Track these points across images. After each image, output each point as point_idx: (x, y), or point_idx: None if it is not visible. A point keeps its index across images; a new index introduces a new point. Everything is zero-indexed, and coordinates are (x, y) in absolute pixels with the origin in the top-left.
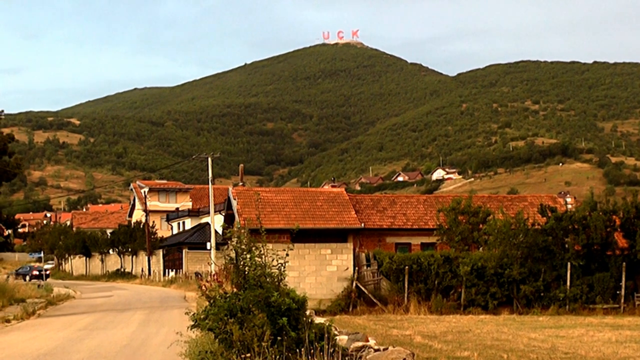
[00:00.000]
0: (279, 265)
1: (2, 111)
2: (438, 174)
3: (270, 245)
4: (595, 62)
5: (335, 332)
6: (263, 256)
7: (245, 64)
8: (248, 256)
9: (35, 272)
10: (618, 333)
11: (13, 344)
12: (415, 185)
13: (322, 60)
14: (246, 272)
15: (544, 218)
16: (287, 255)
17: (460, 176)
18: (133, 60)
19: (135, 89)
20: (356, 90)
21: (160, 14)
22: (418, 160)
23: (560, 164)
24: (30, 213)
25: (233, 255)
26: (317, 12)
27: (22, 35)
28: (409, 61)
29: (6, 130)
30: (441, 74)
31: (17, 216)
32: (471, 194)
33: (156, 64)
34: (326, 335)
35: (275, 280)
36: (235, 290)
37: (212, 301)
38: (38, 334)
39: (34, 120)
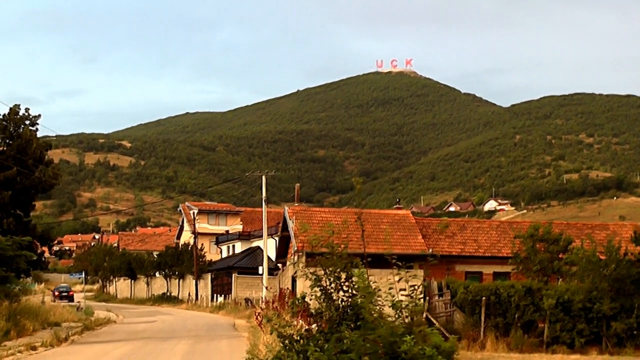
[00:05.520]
0: (413, 289)
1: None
2: (490, 205)
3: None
4: None
5: None
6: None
7: (298, 91)
8: (355, 277)
9: (56, 293)
10: None
11: None
12: (466, 216)
13: (375, 88)
14: (348, 301)
15: (638, 247)
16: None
17: (513, 208)
18: (186, 85)
19: (187, 113)
20: (409, 120)
21: (215, 41)
22: (470, 191)
23: (615, 198)
24: (79, 234)
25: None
26: (372, 42)
27: (80, 59)
28: (463, 91)
29: (57, 152)
30: (495, 104)
31: (64, 238)
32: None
33: (209, 89)
34: None
35: (407, 315)
36: (322, 326)
37: (288, 343)
38: None
39: (85, 142)
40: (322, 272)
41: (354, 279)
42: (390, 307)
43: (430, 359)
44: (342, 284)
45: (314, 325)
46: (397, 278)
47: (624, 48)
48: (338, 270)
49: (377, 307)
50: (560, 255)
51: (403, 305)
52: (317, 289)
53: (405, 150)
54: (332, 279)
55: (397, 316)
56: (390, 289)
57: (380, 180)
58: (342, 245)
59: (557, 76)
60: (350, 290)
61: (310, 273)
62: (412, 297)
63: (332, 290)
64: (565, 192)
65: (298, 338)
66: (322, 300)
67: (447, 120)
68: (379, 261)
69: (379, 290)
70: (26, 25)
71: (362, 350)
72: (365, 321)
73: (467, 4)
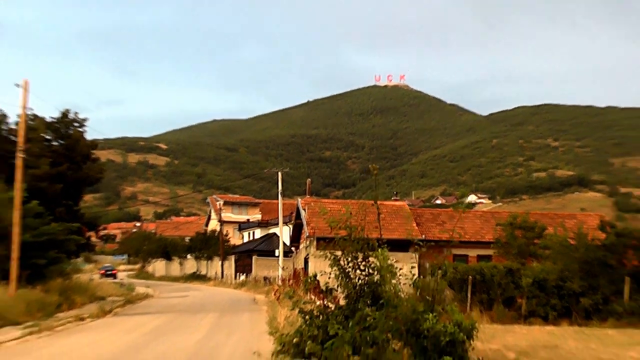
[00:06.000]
0: (440, 268)
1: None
2: (471, 198)
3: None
4: (608, 107)
5: None
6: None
7: (308, 101)
8: (375, 259)
9: (102, 271)
10: None
11: (73, 349)
12: (450, 207)
13: (374, 99)
14: (365, 280)
15: (604, 234)
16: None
17: (490, 201)
18: (213, 95)
19: (214, 120)
20: (402, 126)
21: (237, 57)
22: (454, 186)
23: (577, 193)
24: (123, 222)
25: (338, 252)
26: (371, 59)
27: (119, 71)
28: (448, 102)
29: (105, 153)
30: (475, 113)
31: (110, 225)
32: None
33: (232, 99)
34: None
35: (430, 293)
36: (334, 301)
37: (308, 319)
38: (104, 336)
39: (127, 144)
40: (340, 252)
41: (370, 259)
42: (411, 285)
43: (452, 336)
44: (359, 263)
45: (326, 301)
46: (395, 260)
47: (585, 64)
48: (355, 250)
49: (395, 284)
50: (535, 241)
51: (424, 284)
52: (335, 268)
53: (400, 151)
54: (349, 259)
55: (417, 294)
56: (412, 267)
57: (378, 177)
58: (360, 228)
59: (528, 89)
60: (367, 270)
61: (330, 253)
62: (435, 276)
63: (350, 270)
64: (535, 187)
65: (318, 314)
66: (340, 278)
67: (435, 126)
68: (388, 245)
69: (401, 269)
70: (76, 44)
71: (385, 327)
72: (387, 299)
73: (452, 28)
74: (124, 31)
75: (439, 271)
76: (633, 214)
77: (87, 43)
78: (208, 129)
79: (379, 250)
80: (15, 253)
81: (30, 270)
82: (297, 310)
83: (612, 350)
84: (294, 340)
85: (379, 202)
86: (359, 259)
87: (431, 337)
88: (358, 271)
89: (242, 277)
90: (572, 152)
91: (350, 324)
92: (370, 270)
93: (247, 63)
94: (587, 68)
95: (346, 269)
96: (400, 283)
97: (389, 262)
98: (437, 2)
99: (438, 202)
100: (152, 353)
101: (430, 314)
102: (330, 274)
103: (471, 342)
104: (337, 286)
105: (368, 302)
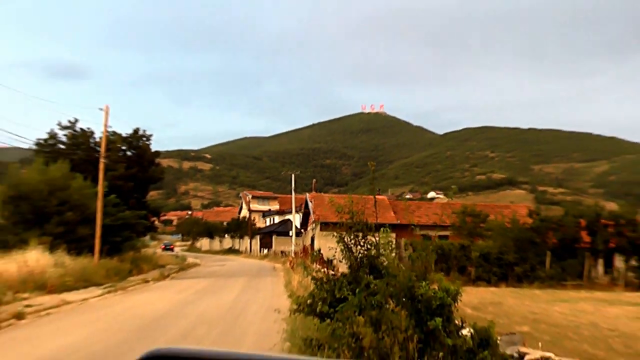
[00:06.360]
0: (430, 242)
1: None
2: (431, 194)
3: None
4: (530, 128)
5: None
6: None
7: (313, 124)
8: (373, 238)
9: (163, 247)
10: (621, 308)
11: (138, 305)
12: (416, 201)
13: (361, 122)
14: (364, 253)
15: (531, 220)
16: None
17: (445, 196)
18: (244, 119)
19: (245, 137)
20: (381, 141)
21: (262, 92)
22: (419, 185)
23: (507, 190)
24: (178, 211)
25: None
26: (359, 92)
27: (176, 102)
28: (415, 124)
29: (165, 161)
30: (434, 133)
31: (169, 213)
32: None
33: (258, 122)
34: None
35: (422, 264)
36: (336, 270)
37: (319, 284)
38: (162, 296)
39: (182, 154)
40: (344, 232)
41: (368, 237)
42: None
43: (441, 300)
44: (360, 241)
45: (329, 269)
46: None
47: (513, 97)
48: (357, 230)
49: (394, 257)
50: (481, 224)
51: (415, 257)
52: (341, 244)
53: (379, 160)
54: (352, 237)
55: (399, 264)
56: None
57: (364, 178)
58: (360, 213)
59: (473, 115)
60: (365, 245)
61: (336, 232)
62: (424, 250)
63: (352, 246)
64: (477, 186)
65: (326, 280)
66: (344, 252)
67: (405, 142)
68: (378, 229)
69: (397, 243)
70: (144, 81)
71: (386, 293)
72: (387, 269)
73: (418, 70)
74: (182, 72)
75: (430, 247)
76: (547, 206)
77: (155, 81)
78: (241, 144)
79: (382, 230)
80: (98, 233)
81: (109, 245)
82: (308, 277)
83: (542, 305)
84: (308, 302)
85: (368, 195)
86: (360, 237)
87: (424, 301)
88: (359, 247)
89: (265, 251)
90: (504, 161)
91: (358, 289)
92: (369, 246)
93: (269, 96)
94: (514, 99)
95: (349, 244)
96: (397, 256)
97: (389, 239)
98: (407, 52)
99: (407, 196)
100: (200, 307)
101: (423, 282)
102: (335, 249)
103: (456, 305)
104: (342, 259)
105: (367, 271)
